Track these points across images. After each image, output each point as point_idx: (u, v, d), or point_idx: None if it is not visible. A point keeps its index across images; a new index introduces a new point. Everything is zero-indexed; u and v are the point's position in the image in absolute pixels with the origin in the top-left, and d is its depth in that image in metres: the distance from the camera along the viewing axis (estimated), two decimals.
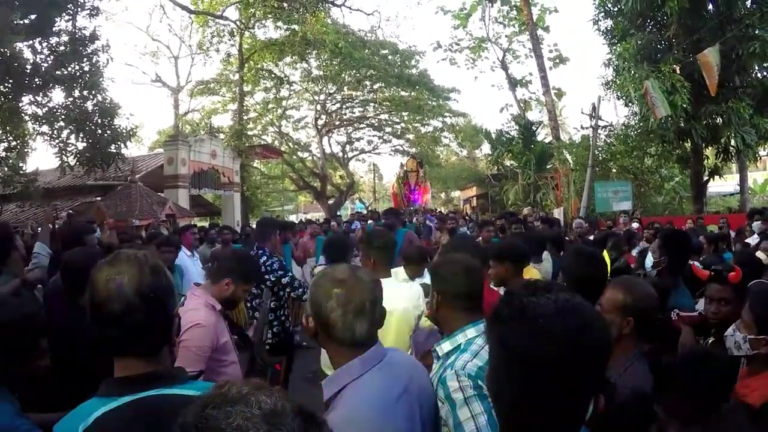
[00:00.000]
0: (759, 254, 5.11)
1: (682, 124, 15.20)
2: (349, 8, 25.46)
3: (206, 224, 19.96)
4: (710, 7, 15.00)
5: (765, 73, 15.62)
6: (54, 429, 1.37)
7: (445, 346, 2.06)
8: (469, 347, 1.97)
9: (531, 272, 4.05)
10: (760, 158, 22.83)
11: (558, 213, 16.43)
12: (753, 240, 7.61)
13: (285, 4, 22.82)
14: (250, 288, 3.70)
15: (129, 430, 1.34)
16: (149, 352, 1.44)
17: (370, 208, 31.30)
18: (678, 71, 13.92)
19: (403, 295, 3.46)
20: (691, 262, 4.13)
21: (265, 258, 5.14)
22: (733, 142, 15.37)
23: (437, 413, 1.84)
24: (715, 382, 2.00)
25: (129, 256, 1.44)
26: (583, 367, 0.98)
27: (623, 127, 19.15)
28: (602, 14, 17.46)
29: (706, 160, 17.69)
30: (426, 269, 4.64)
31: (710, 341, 2.85)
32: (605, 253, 4.34)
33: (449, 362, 1.94)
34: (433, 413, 1.82)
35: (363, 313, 1.64)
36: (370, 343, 1.68)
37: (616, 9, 16.43)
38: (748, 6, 14.66)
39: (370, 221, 13.12)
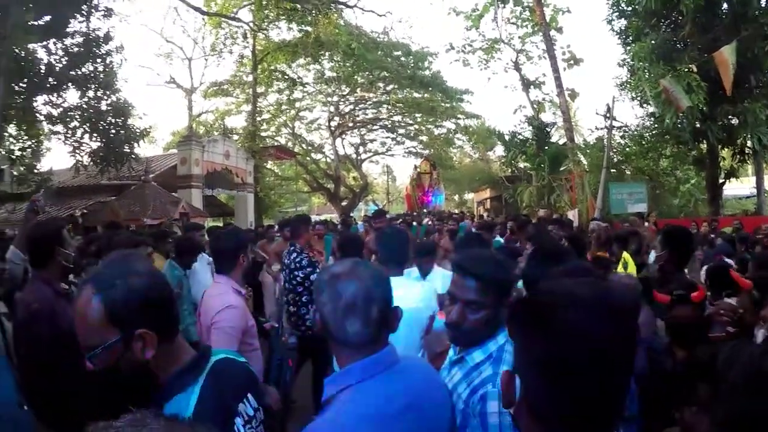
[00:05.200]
0: None
1: (698, 125, 15.00)
2: (362, 9, 25.42)
3: (220, 224, 20.11)
4: (725, 5, 14.80)
5: None
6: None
7: (477, 356, 1.91)
8: (502, 355, 1.85)
9: None
10: None
11: (572, 215, 16.27)
12: None
13: (298, 6, 22.87)
14: None
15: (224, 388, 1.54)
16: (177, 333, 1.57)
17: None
18: (695, 70, 13.74)
19: (415, 294, 3.37)
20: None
21: (295, 255, 5.47)
22: (749, 143, 15.13)
23: (453, 424, 1.71)
24: None
25: (124, 251, 1.61)
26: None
27: (638, 128, 18.97)
28: (616, 14, 17.31)
29: (722, 162, 17.44)
30: (436, 265, 4.61)
31: None
32: (626, 256, 4.16)
33: (486, 375, 1.82)
34: (448, 426, 1.67)
35: (353, 311, 1.49)
36: (375, 347, 1.53)
37: (630, 8, 16.28)
38: (763, 5, 14.43)
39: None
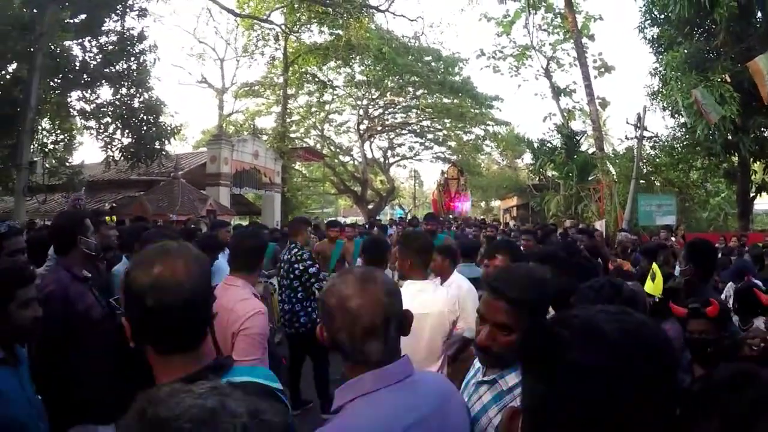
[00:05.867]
0: None
1: (730, 137, 14.65)
2: (393, 14, 25.52)
3: (246, 223, 20.34)
4: (759, 14, 14.47)
5: None
6: None
7: (510, 379, 1.77)
8: None
9: None
10: None
11: (599, 225, 16.04)
12: None
13: (330, 10, 23.08)
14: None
15: None
16: (199, 343, 1.38)
17: (409, 215, 31.37)
18: (728, 80, 13.47)
19: (439, 298, 3.33)
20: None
21: (296, 249, 5.59)
22: None
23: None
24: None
25: (180, 245, 1.42)
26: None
27: (669, 139, 18.64)
28: (648, 22, 17.02)
29: (753, 175, 17.03)
30: (456, 272, 4.54)
31: None
32: (655, 267, 4.10)
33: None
34: None
35: (374, 333, 1.41)
36: (390, 359, 1.45)
37: (662, 16, 15.98)
38: None
39: (409, 228, 12.99)
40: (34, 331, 2.26)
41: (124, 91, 13.92)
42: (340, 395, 1.44)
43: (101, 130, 13.82)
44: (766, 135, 14.49)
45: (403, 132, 35.43)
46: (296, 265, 5.46)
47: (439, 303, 3.27)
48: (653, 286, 3.77)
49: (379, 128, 34.25)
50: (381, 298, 1.43)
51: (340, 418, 1.41)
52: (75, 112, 13.68)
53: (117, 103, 13.83)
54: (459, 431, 1.57)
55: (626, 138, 18.65)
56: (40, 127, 12.91)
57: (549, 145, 22.68)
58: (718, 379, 1.61)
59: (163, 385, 0.79)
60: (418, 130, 35.06)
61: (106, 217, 8.65)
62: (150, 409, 0.73)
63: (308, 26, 26.96)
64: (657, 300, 3.65)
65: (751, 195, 16.82)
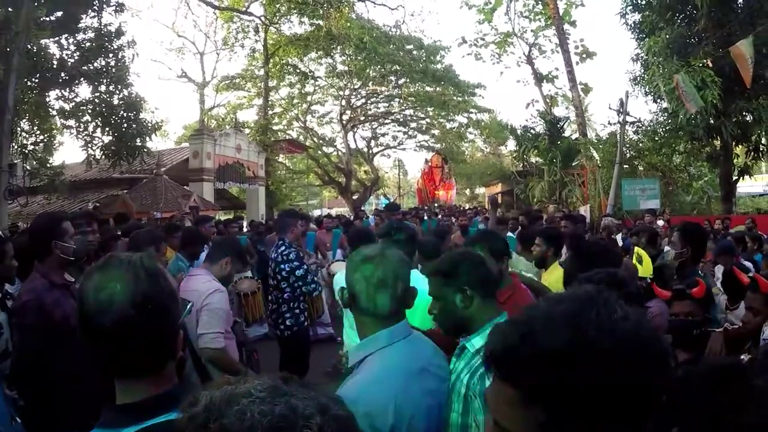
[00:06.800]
0: None
1: (712, 121, 14.79)
2: (374, 3, 25.31)
3: (231, 218, 20.17)
4: (740, 0, 14.58)
5: None
6: None
7: (477, 342, 1.93)
8: None
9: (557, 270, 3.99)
10: None
11: (584, 210, 16.16)
12: None
13: (309, 0, 22.84)
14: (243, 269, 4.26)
15: None
16: (153, 371, 1.24)
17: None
18: (710, 65, 13.56)
19: (425, 286, 3.45)
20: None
21: (283, 248, 5.28)
22: (763, 140, 14.95)
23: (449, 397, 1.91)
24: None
25: (121, 260, 1.26)
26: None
27: (651, 124, 18.79)
28: (630, 8, 17.10)
29: (735, 159, 17.22)
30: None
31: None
32: (639, 250, 4.14)
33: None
34: (445, 396, 1.89)
35: (385, 287, 1.77)
36: (397, 318, 1.82)
37: (644, 2, 16.08)
38: None
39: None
40: None
41: (103, 88, 13.62)
42: (357, 353, 1.81)
43: (81, 129, 13.54)
44: (747, 119, 14.62)
45: (386, 121, 35.31)
46: (282, 266, 5.19)
47: (425, 291, 3.33)
48: (642, 269, 3.81)
49: (362, 118, 34.10)
50: (394, 262, 1.82)
51: (364, 369, 1.75)
52: (54, 112, 13.39)
53: (96, 100, 13.53)
54: (445, 373, 1.94)
55: (609, 123, 18.83)
56: (18, 129, 12.63)
57: (532, 131, 22.82)
58: (701, 378, 1.59)
59: (212, 385, 0.74)
60: (401, 119, 34.98)
61: None
62: (213, 420, 0.67)
63: (288, 17, 26.66)
64: (649, 281, 3.67)
65: (734, 178, 17.02)
